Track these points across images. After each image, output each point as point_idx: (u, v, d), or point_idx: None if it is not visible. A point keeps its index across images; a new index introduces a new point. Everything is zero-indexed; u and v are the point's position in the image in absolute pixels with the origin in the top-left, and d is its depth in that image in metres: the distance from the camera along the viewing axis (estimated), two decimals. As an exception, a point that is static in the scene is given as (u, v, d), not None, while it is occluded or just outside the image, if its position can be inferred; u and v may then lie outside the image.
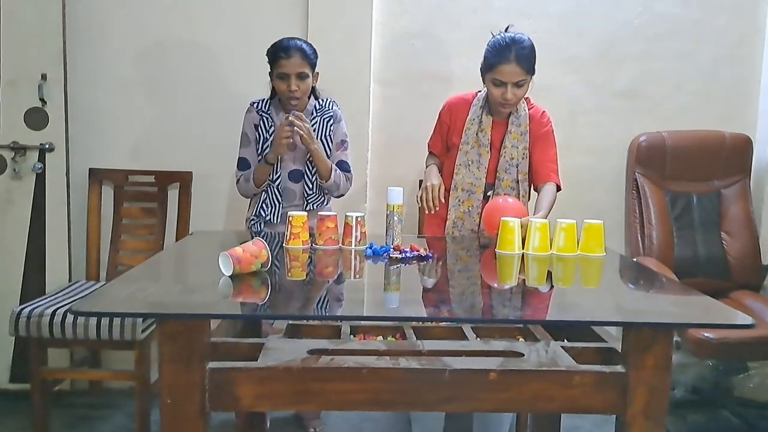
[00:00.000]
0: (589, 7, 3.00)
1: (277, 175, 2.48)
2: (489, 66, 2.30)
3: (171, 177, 2.95)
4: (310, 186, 2.49)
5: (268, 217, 2.50)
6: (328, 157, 2.50)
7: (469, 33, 2.95)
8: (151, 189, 2.95)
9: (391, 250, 1.94)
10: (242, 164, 2.54)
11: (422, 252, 1.91)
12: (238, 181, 2.55)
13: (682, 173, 2.99)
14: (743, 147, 3.00)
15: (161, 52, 2.96)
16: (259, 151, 2.51)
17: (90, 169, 2.94)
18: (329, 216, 2.01)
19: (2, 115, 2.82)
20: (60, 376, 2.71)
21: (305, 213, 2.03)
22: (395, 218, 2.04)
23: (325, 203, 2.56)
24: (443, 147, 2.51)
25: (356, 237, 1.99)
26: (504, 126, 2.41)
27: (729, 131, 3.00)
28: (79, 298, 2.59)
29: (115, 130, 2.98)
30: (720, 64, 3.05)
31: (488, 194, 2.41)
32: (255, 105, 2.54)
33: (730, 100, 3.08)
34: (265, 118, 2.50)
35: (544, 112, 2.45)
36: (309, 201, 2.50)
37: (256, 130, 2.51)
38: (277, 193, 2.49)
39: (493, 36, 2.33)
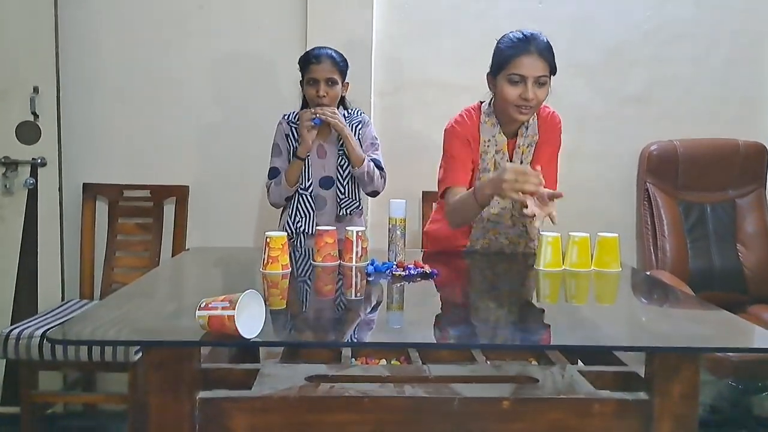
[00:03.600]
0: (596, 11, 2.91)
1: (309, 182, 2.43)
2: (504, 61, 1.96)
3: (167, 191, 2.87)
4: (343, 191, 2.44)
5: (302, 228, 2.43)
6: None
7: (472, 40, 2.86)
8: (146, 204, 2.86)
9: (394, 266, 1.84)
10: (273, 173, 2.48)
11: (427, 269, 1.81)
12: (268, 189, 2.49)
13: (695, 183, 2.89)
14: (758, 155, 2.90)
15: (156, 65, 2.87)
16: (292, 161, 2.46)
17: (84, 183, 2.86)
18: (328, 231, 1.91)
19: (-8, 129, 2.74)
20: (51, 400, 2.61)
21: (284, 234, 1.84)
22: (398, 232, 1.95)
23: (358, 207, 2.49)
24: (468, 176, 2.09)
25: (357, 253, 1.89)
26: (514, 142, 2.10)
27: (743, 139, 2.91)
28: (70, 319, 2.49)
29: (110, 144, 2.89)
30: (733, 68, 2.96)
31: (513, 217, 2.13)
32: (286, 117, 2.50)
33: (744, 107, 2.98)
34: (295, 129, 2.45)
35: (554, 112, 2.15)
36: (342, 206, 2.44)
37: (287, 140, 2.47)
38: (310, 200, 2.44)
39: (503, 37, 2.06)
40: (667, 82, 2.95)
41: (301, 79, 2.44)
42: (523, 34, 1.98)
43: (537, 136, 2.09)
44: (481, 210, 1.99)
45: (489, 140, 2.07)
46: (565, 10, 2.90)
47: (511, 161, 2.06)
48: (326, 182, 2.47)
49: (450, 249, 2.21)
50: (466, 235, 2.16)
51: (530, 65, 1.93)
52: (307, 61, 2.40)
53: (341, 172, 2.44)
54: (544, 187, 1.81)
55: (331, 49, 2.43)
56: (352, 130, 2.44)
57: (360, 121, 2.50)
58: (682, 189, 2.90)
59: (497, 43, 2.05)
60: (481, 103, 2.14)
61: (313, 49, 2.43)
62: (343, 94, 2.48)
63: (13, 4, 2.68)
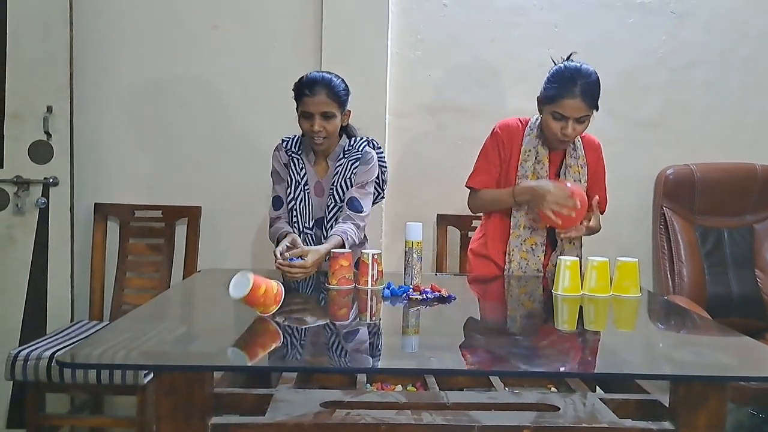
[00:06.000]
0: (612, 36, 2.90)
1: (312, 223, 2.29)
2: (550, 98, 2.08)
3: (179, 212, 2.85)
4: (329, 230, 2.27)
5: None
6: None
7: (487, 63, 2.85)
8: (157, 224, 2.85)
9: (411, 290, 1.81)
10: (276, 203, 2.31)
11: (444, 293, 1.78)
12: (270, 225, 2.34)
13: (712, 207, 2.86)
14: (776, 180, 2.87)
15: (169, 85, 2.88)
16: (292, 194, 2.27)
17: (95, 203, 2.84)
18: (343, 254, 1.89)
19: (6, 149, 2.73)
20: (58, 423, 2.57)
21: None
22: (414, 255, 1.92)
23: (358, 245, 2.29)
24: (495, 183, 2.24)
25: (372, 276, 1.86)
26: (560, 157, 2.22)
27: (760, 163, 2.87)
28: (80, 340, 2.47)
29: (122, 164, 2.89)
30: (748, 92, 2.94)
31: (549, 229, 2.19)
32: (284, 144, 2.29)
33: (761, 131, 2.95)
34: (295, 159, 2.27)
35: (593, 138, 2.28)
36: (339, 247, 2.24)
37: (287, 168, 2.28)
38: (310, 241, 2.27)
39: (555, 64, 2.14)
40: (682, 107, 2.93)
41: (296, 106, 2.20)
42: (570, 71, 2.07)
43: (584, 158, 2.23)
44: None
45: (530, 150, 2.18)
46: (580, 35, 2.89)
47: (558, 178, 2.20)
48: (320, 222, 2.30)
49: (491, 264, 2.25)
50: (504, 245, 2.21)
51: (572, 108, 2.04)
52: (300, 91, 2.13)
53: (326, 212, 2.28)
54: (600, 209, 2.20)
55: (328, 74, 2.18)
56: (348, 166, 2.23)
57: (358, 158, 2.24)
58: (699, 214, 2.86)
59: (550, 72, 2.13)
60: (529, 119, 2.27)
61: (308, 75, 2.17)
62: (344, 124, 2.24)
63: (28, 24, 2.70)
